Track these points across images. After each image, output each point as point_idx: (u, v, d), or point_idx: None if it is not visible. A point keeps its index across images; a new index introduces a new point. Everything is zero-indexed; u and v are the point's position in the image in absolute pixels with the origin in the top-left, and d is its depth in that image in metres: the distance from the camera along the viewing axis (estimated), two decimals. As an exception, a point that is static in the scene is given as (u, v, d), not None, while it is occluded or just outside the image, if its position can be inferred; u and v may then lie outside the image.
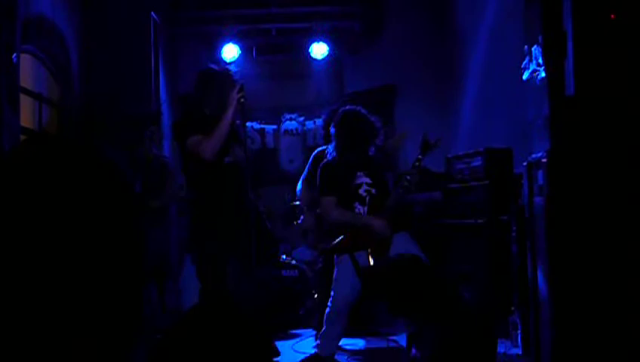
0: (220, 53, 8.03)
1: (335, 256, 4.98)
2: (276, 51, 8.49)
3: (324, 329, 4.98)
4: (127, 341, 0.92)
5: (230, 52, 8.02)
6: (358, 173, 5.00)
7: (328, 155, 5.16)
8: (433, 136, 5.04)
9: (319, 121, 8.53)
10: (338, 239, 4.98)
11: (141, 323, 0.96)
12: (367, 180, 5.00)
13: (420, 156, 4.94)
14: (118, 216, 0.91)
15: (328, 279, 5.16)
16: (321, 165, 5.14)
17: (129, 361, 0.94)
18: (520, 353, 4.79)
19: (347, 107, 5.17)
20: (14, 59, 4.48)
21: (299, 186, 6.13)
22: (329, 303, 4.97)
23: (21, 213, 0.85)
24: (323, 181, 5.02)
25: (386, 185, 5.04)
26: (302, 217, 6.50)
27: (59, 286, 0.84)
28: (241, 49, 8.08)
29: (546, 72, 4.27)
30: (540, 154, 4.38)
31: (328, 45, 8.17)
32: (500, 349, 4.83)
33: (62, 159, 0.91)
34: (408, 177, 4.84)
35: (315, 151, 6.02)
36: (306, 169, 6.02)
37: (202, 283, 4.66)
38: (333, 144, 5.09)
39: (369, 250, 4.84)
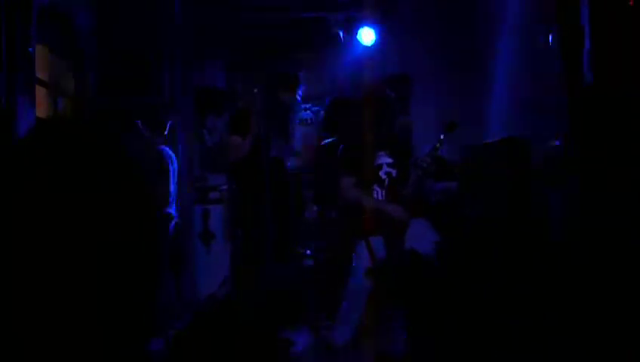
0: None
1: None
2: (291, 41, 8.46)
3: (340, 316, 4.97)
4: (143, 325, 0.91)
5: (245, 42, 8.01)
6: (380, 153, 4.95)
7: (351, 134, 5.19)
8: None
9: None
10: (353, 223, 4.99)
11: (156, 312, 0.96)
12: (389, 160, 4.96)
13: (441, 136, 4.91)
14: (132, 207, 0.91)
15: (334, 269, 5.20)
16: (343, 144, 5.15)
17: (145, 349, 0.94)
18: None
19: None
20: (31, 51, 4.50)
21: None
22: (346, 290, 4.97)
23: (33, 195, 0.85)
24: (343, 160, 5.01)
25: (408, 166, 4.99)
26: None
27: (71, 275, 0.84)
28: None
29: (563, 62, 4.24)
30: (557, 144, 4.36)
31: (343, 35, 8.13)
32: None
33: (74, 145, 0.91)
34: (428, 159, 4.80)
35: (323, 144, 5.98)
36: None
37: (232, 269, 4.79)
38: (356, 123, 5.07)
39: (385, 237, 4.82)
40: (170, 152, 6.07)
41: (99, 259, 0.86)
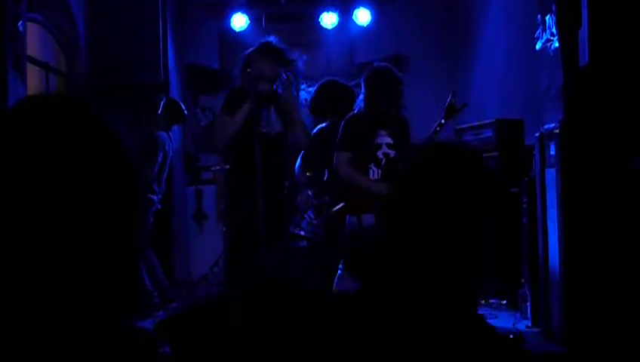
0: (229, 23, 7.95)
1: (347, 218, 4.93)
2: (286, 21, 8.39)
3: (334, 288, 4.97)
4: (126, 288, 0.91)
5: (239, 21, 7.93)
6: (380, 132, 4.91)
7: (355, 108, 5.12)
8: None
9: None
10: (339, 205, 4.97)
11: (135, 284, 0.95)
12: (389, 140, 4.91)
13: (442, 121, 4.88)
14: (109, 170, 0.91)
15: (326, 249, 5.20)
16: (345, 118, 5.10)
17: (133, 325, 0.94)
18: (529, 324, 4.77)
19: (377, 63, 5.17)
20: (21, 27, 4.44)
21: (297, 162, 6.02)
22: (340, 266, 4.95)
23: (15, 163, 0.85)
24: (342, 135, 4.97)
25: (409, 147, 4.95)
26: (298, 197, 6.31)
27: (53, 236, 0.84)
28: (250, 18, 7.98)
29: (559, 42, 4.20)
30: (552, 125, 4.33)
31: (338, 15, 8.08)
32: (510, 321, 4.83)
33: (59, 116, 0.91)
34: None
35: (316, 129, 5.93)
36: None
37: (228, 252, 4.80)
38: (361, 97, 5.02)
39: (377, 217, 4.81)
40: (165, 137, 6.00)
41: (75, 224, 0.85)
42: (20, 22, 4.43)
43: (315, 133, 5.84)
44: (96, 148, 0.91)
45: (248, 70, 4.79)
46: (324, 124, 5.70)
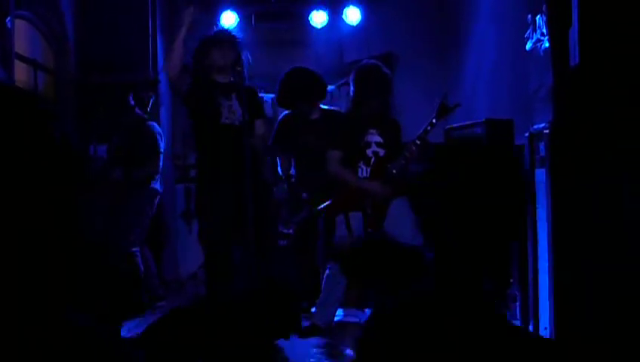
0: (219, 20, 7.92)
1: (335, 218, 4.93)
2: (275, 19, 8.36)
3: (321, 295, 4.96)
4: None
5: (229, 19, 7.90)
6: (370, 130, 4.91)
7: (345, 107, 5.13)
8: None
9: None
10: (327, 202, 4.97)
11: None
12: (378, 139, 4.92)
13: (433, 120, 4.88)
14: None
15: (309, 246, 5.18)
16: (335, 117, 5.12)
17: (119, 328, 0.93)
18: (519, 324, 4.77)
19: (366, 60, 5.15)
20: (9, 24, 4.40)
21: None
22: (328, 267, 4.95)
23: None
24: (333, 134, 4.97)
25: (399, 148, 4.95)
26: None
27: None
28: (239, 16, 7.95)
29: (550, 42, 4.20)
30: (542, 126, 4.32)
31: (328, 13, 8.06)
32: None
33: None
34: (418, 142, 4.78)
35: (282, 116, 5.90)
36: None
37: (203, 250, 4.74)
38: (350, 96, 5.01)
39: (364, 215, 4.81)
40: (159, 128, 5.99)
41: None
42: (8, 18, 4.39)
43: (280, 120, 5.81)
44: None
45: (238, 68, 4.71)
46: (288, 111, 5.70)
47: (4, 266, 0.84)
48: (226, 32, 4.87)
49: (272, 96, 9.01)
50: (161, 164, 5.85)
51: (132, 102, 5.85)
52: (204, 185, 4.73)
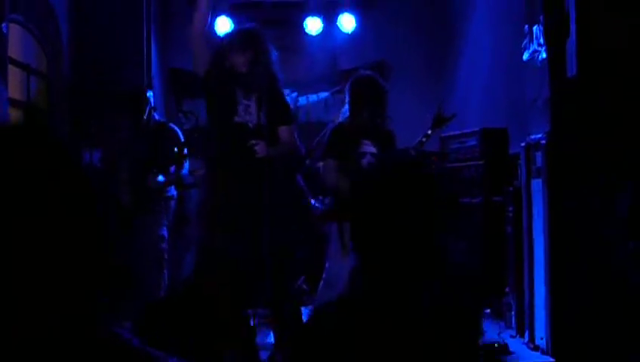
0: (213, 27, 7.90)
1: (329, 227, 4.91)
2: (270, 25, 8.34)
3: (318, 299, 4.95)
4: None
5: (223, 25, 7.88)
6: (365, 141, 4.90)
7: (341, 117, 5.08)
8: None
9: (312, 98, 8.43)
10: (327, 207, 4.97)
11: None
12: (373, 150, 4.90)
13: (429, 131, 4.88)
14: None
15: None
16: (331, 127, 5.07)
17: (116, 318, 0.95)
18: (514, 334, 4.77)
19: (362, 71, 5.13)
20: (4, 28, 4.37)
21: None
22: (323, 275, 4.94)
23: None
24: (328, 143, 4.95)
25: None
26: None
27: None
28: (234, 22, 7.94)
29: (547, 53, 4.21)
30: (539, 136, 4.33)
31: (323, 20, 8.07)
32: (494, 331, 4.83)
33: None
34: (413, 152, 4.79)
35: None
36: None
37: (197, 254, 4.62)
38: (345, 107, 4.99)
39: None
40: (178, 129, 5.85)
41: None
42: (4, 24, 4.36)
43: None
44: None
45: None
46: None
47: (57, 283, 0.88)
48: (245, 32, 4.48)
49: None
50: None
51: (151, 105, 5.73)
52: (209, 186, 4.59)
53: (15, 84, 5.41)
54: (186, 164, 5.58)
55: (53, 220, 0.88)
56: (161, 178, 5.45)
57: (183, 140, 5.63)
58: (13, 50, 5.25)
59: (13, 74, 5.36)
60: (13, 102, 5.25)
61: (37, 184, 0.88)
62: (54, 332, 0.87)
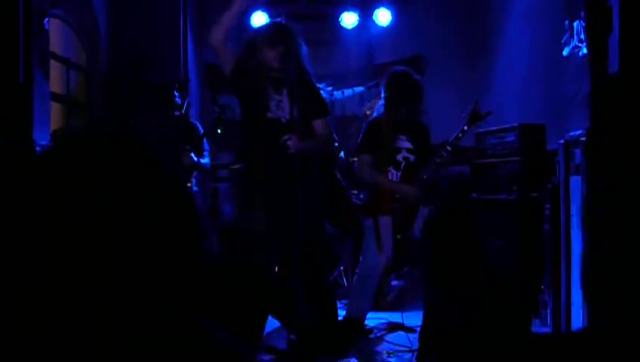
0: (249, 21, 7.93)
1: (364, 221, 4.93)
2: (305, 20, 8.35)
3: (353, 292, 4.97)
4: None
5: (259, 20, 7.91)
6: (401, 136, 4.92)
7: (376, 112, 5.10)
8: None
9: (348, 92, 8.43)
10: (362, 202, 4.99)
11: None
12: (408, 145, 4.94)
13: (465, 127, 4.87)
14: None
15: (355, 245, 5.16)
16: (367, 122, 5.08)
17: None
18: (550, 331, 4.74)
19: (397, 67, 5.13)
20: (46, 24, 4.43)
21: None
22: (357, 269, 4.96)
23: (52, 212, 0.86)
24: (364, 138, 4.96)
25: (428, 153, 4.95)
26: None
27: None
28: (269, 17, 7.96)
29: (588, 48, 4.16)
30: (578, 133, 4.28)
31: (359, 15, 8.06)
32: (530, 328, 4.79)
33: (93, 158, 0.90)
34: (449, 148, 4.78)
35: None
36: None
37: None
38: (381, 102, 5.01)
39: (394, 219, 4.82)
40: (198, 124, 6.04)
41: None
42: (46, 19, 4.42)
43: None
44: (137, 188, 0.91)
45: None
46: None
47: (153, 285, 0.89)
48: (275, 26, 4.42)
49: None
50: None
51: (178, 101, 5.90)
52: (244, 182, 4.64)
53: (55, 78, 5.50)
54: (206, 153, 5.86)
55: (157, 223, 0.90)
56: (193, 156, 5.67)
57: (202, 132, 5.83)
58: (54, 45, 5.32)
59: (54, 68, 5.44)
60: (55, 96, 5.33)
61: (143, 195, 0.90)
62: (163, 326, 0.89)
